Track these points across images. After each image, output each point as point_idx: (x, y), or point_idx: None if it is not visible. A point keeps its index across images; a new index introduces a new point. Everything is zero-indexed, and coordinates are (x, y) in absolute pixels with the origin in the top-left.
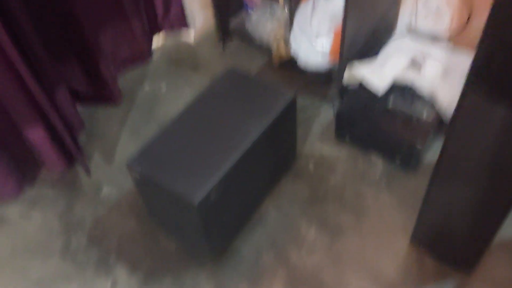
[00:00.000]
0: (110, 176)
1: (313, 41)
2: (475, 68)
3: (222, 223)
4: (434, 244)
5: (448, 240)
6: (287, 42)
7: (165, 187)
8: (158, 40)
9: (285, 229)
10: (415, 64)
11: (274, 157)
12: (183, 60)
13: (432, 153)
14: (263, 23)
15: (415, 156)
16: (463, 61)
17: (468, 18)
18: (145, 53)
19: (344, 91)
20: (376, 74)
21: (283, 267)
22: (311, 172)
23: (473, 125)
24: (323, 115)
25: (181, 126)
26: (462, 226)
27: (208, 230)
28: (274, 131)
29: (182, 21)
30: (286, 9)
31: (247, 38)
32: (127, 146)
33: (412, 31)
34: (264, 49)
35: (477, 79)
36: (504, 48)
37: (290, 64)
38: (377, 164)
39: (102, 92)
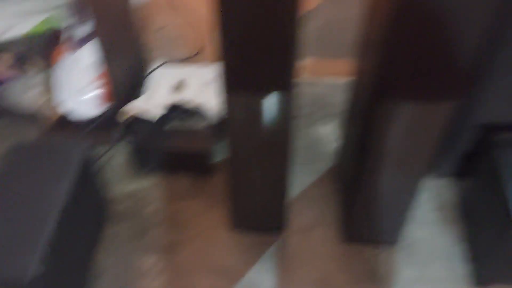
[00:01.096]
0: None
1: (81, 94)
2: (226, 74)
3: None
4: (248, 222)
5: (255, 215)
6: (53, 104)
7: None
8: None
9: (124, 270)
10: (179, 85)
11: (89, 212)
12: None
13: (223, 153)
14: (23, 95)
15: (207, 161)
16: (211, 72)
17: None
18: None
19: (127, 128)
20: (149, 104)
21: None
22: (128, 211)
23: (241, 119)
24: (118, 156)
25: None
26: (261, 200)
27: None
28: (79, 189)
29: None
30: (43, 74)
31: (12, 112)
32: None
33: (168, 60)
34: (35, 117)
35: (229, 84)
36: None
37: (66, 122)
38: (181, 181)
39: None
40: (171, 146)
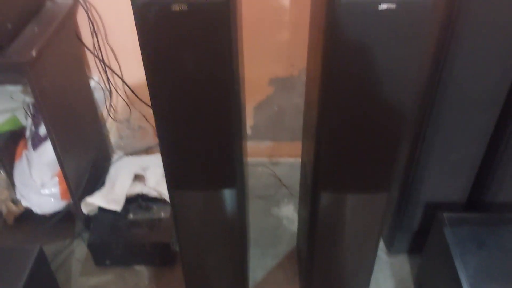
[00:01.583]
0: None
1: (40, 190)
2: (168, 172)
3: None
4: None
5: None
6: (14, 199)
7: None
8: None
9: None
10: (139, 176)
11: None
12: None
13: None
14: None
15: (170, 251)
16: None
17: None
18: None
19: (88, 221)
20: (110, 196)
21: None
22: None
23: (188, 213)
24: (78, 251)
25: None
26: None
27: None
28: None
29: None
30: (1, 171)
31: None
32: None
33: (127, 152)
34: None
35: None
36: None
37: (27, 218)
38: (143, 272)
39: None
40: (133, 237)
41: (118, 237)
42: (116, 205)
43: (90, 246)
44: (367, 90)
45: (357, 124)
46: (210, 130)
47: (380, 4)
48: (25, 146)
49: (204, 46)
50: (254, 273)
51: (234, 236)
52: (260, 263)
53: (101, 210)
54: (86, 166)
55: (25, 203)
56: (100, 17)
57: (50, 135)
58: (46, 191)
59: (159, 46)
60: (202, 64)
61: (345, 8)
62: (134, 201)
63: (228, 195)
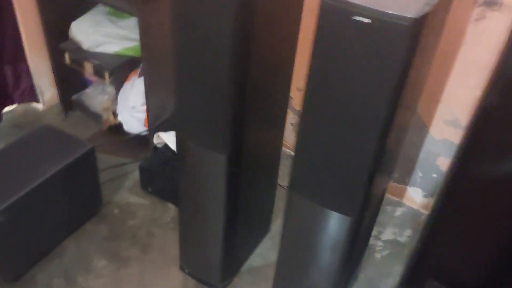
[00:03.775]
0: None
1: (131, 112)
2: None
3: (13, 250)
4: (193, 266)
5: (202, 263)
6: (114, 112)
7: None
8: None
9: (79, 260)
10: None
11: (74, 199)
12: (28, 124)
13: None
14: (96, 97)
15: None
16: None
17: None
18: None
19: (154, 150)
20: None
21: None
22: (114, 217)
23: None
24: (137, 172)
25: None
26: (211, 250)
27: None
28: (69, 175)
29: (31, 96)
30: (113, 87)
31: (85, 109)
32: None
33: None
34: (98, 117)
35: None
36: None
37: (117, 129)
38: (172, 210)
39: None
40: (175, 179)
41: (164, 172)
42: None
43: (141, 169)
44: (339, 100)
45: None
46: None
47: (354, 16)
48: (134, 73)
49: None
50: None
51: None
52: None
53: (166, 146)
54: (167, 107)
55: (119, 117)
56: None
57: (143, 68)
58: (135, 114)
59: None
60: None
61: (325, 11)
62: None
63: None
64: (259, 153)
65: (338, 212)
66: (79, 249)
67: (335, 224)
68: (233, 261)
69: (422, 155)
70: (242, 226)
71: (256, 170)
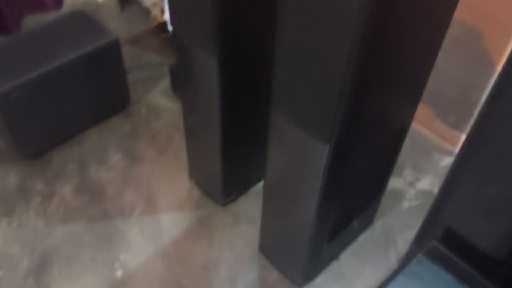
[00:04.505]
0: None
1: None
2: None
3: (30, 127)
4: (200, 178)
5: (208, 175)
6: (162, 8)
7: None
8: None
9: (97, 151)
10: None
11: (99, 91)
12: None
13: None
14: None
15: None
16: None
17: None
18: (57, 2)
19: None
20: None
21: (80, 175)
22: (141, 116)
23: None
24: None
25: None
26: (212, 162)
27: (13, 127)
28: (92, 63)
29: None
30: None
31: (139, 4)
32: None
33: None
34: (148, 13)
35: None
36: None
37: (163, 28)
38: None
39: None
40: None
41: None
42: None
43: (170, 71)
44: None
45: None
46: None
47: None
48: None
49: None
50: None
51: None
52: None
53: None
54: None
55: (165, 15)
56: None
57: None
58: None
59: None
60: None
61: None
62: None
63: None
64: None
65: (314, 137)
66: (99, 140)
67: (312, 150)
68: (238, 178)
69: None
70: (242, 142)
71: None
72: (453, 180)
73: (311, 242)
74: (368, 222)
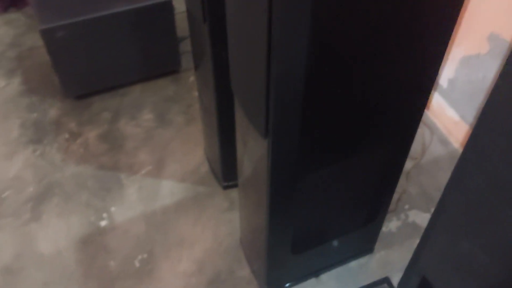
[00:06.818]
0: None
1: None
2: None
3: (74, 69)
4: (209, 156)
5: (214, 155)
6: None
7: None
8: None
9: (133, 106)
10: None
11: (148, 49)
12: None
13: None
14: None
15: None
16: None
17: None
18: None
19: None
20: None
21: (110, 125)
22: (186, 83)
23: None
24: None
25: None
26: (214, 142)
27: (57, 62)
28: (142, 19)
29: None
30: None
31: None
32: None
33: None
34: None
35: None
36: None
37: None
38: None
39: None
40: None
41: None
42: None
43: None
44: None
45: None
46: None
47: None
48: None
49: None
50: None
51: None
52: None
53: None
54: None
55: None
56: None
57: None
58: None
59: None
60: None
61: None
62: None
63: None
64: None
65: (255, 128)
66: (140, 97)
67: (256, 143)
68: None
69: None
70: None
71: None
72: (430, 228)
73: (268, 247)
74: (365, 249)
